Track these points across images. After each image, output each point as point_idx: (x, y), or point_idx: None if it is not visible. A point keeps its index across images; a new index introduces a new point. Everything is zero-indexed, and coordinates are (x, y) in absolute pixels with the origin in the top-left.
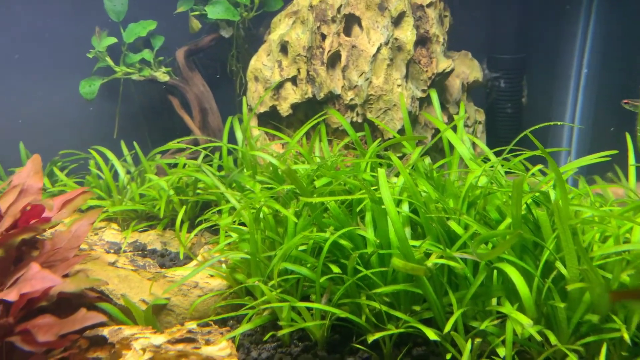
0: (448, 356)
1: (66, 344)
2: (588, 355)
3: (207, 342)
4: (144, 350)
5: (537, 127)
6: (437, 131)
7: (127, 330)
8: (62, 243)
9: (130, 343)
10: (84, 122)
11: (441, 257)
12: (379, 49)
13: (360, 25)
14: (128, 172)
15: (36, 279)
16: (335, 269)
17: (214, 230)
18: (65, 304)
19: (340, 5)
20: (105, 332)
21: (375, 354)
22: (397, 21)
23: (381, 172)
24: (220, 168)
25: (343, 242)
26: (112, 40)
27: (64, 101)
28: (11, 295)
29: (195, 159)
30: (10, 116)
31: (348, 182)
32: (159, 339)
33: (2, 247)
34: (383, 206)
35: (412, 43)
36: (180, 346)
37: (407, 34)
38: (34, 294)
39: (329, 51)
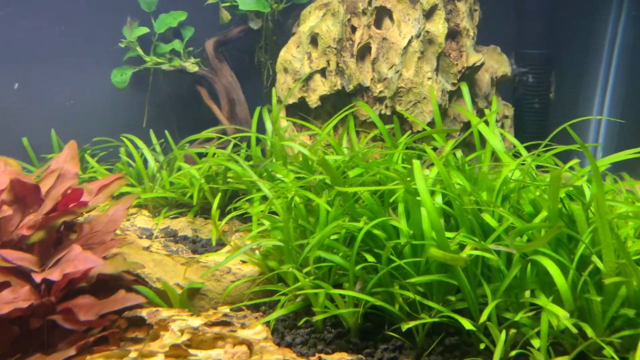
0: (482, 346)
1: (105, 324)
2: (622, 349)
3: (243, 326)
4: (181, 331)
5: (572, 122)
6: (466, 125)
7: (164, 312)
8: (99, 226)
9: (168, 324)
10: (113, 111)
11: (475, 249)
12: (409, 42)
13: (391, 18)
14: (157, 161)
15: (79, 259)
16: (370, 258)
17: (244, 218)
18: (102, 286)
19: None
20: (143, 313)
21: (408, 342)
22: (428, 14)
23: (416, 163)
24: (248, 158)
25: (376, 232)
26: (144, 30)
27: (94, 90)
28: (54, 275)
29: (224, 148)
30: (43, 104)
31: (379, 174)
32: (196, 322)
33: (44, 229)
34: (418, 197)
35: (443, 36)
36: (216, 329)
37: (438, 27)
38: (75, 274)
39: (359, 43)
